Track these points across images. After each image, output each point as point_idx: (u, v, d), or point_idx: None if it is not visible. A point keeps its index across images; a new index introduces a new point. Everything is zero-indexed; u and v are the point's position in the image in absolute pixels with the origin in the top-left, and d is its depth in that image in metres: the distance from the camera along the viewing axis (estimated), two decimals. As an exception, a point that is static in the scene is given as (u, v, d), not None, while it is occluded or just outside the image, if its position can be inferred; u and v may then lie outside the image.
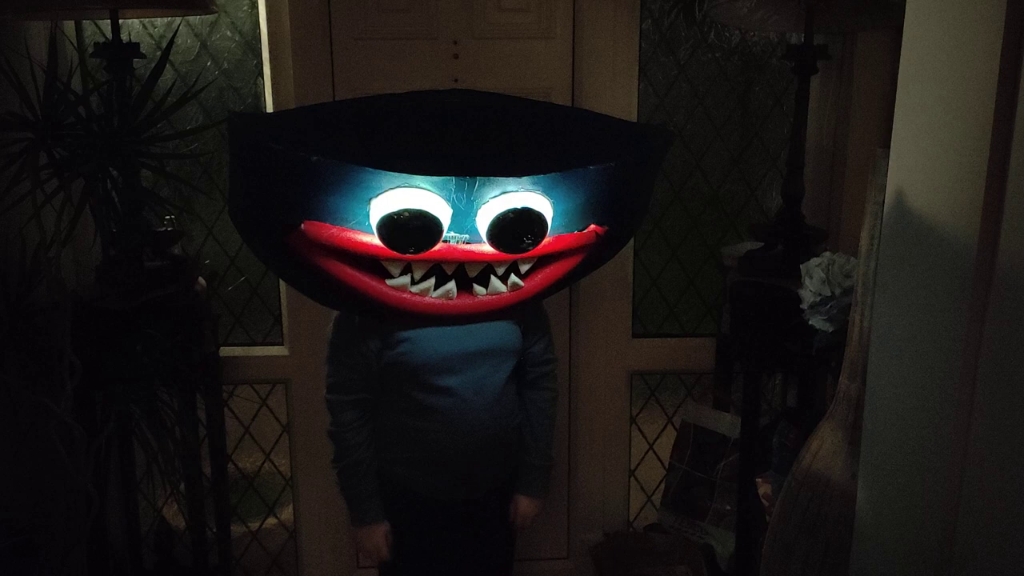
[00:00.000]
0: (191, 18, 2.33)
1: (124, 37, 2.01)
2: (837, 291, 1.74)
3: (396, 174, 1.49)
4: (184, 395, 2.15)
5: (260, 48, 2.38)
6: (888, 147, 1.16)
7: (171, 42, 2.08)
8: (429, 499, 1.91)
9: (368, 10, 2.32)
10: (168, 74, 2.25)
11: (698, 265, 2.66)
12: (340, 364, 1.85)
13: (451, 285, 1.63)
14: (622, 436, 2.68)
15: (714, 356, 2.54)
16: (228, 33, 2.40)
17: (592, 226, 1.68)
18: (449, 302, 1.65)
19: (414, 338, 1.79)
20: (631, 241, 2.52)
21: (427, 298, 1.64)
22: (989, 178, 0.90)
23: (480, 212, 1.56)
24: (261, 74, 2.40)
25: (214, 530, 2.40)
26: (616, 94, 2.40)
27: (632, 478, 2.75)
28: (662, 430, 2.75)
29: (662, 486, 2.56)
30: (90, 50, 2.05)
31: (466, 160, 1.63)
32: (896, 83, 1.12)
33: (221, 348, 2.37)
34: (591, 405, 2.62)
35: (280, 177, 1.53)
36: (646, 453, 2.76)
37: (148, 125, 1.94)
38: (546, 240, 1.63)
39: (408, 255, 1.57)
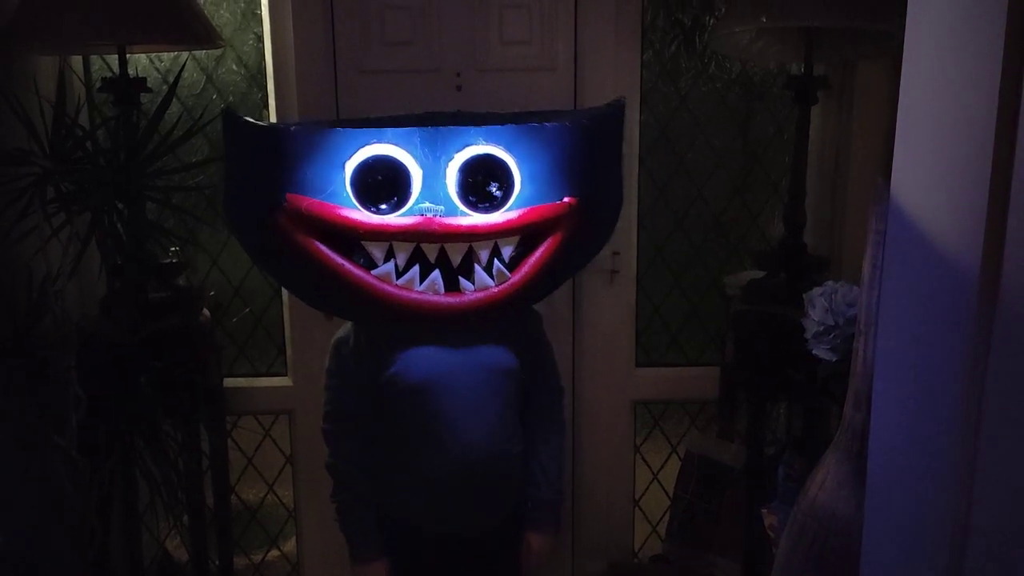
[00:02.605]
0: (197, 52, 2.36)
1: (131, 72, 2.03)
2: (840, 320, 1.74)
3: (366, 134, 1.60)
4: (188, 426, 2.14)
5: (265, 81, 2.40)
6: (889, 176, 1.16)
7: (178, 76, 2.10)
8: (430, 534, 1.86)
9: (372, 44, 2.35)
10: (174, 107, 2.27)
11: (701, 294, 2.66)
12: (335, 391, 1.83)
13: (436, 276, 1.66)
14: (626, 466, 2.67)
15: (718, 385, 2.53)
16: (234, 67, 2.43)
17: (565, 199, 1.71)
18: (437, 298, 1.67)
19: (405, 359, 1.76)
20: (633, 270, 2.53)
21: (413, 292, 1.66)
22: (991, 206, 0.91)
23: (448, 171, 1.62)
24: (266, 107, 2.42)
25: (217, 562, 2.38)
26: (618, 125, 2.41)
27: (636, 508, 2.74)
28: (666, 460, 2.74)
29: (667, 516, 2.55)
30: (98, 85, 2.07)
31: (429, 121, 1.70)
32: (896, 112, 1.13)
33: (225, 379, 2.37)
34: (594, 435, 2.61)
35: (263, 153, 1.64)
36: (650, 483, 2.75)
37: (154, 158, 1.96)
38: (521, 211, 1.67)
39: (385, 222, 1.61)
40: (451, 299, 1.68)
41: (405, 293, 1.67)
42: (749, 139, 2.59)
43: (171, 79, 2.11)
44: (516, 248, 1.73)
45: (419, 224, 1.62)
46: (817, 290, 1.82)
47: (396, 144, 1.60)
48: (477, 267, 1.68)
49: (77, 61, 2.30)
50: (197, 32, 1.96)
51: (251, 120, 1.64)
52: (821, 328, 1.77)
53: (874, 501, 1.23)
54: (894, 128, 1.13)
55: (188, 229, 2.37)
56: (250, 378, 2.56)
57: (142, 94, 2.02)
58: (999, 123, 0.89)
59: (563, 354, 2.51)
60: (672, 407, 2.72)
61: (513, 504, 1.91)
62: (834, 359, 1.76)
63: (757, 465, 2.20)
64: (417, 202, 1.62)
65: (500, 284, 1.71)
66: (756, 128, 2.59)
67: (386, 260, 1.66)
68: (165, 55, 2.37)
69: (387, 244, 1.65)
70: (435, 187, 1.63)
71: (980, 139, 0.91)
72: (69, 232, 1.88)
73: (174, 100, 2.10)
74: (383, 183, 1.61)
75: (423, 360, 1.76)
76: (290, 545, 2.70)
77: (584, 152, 1.72)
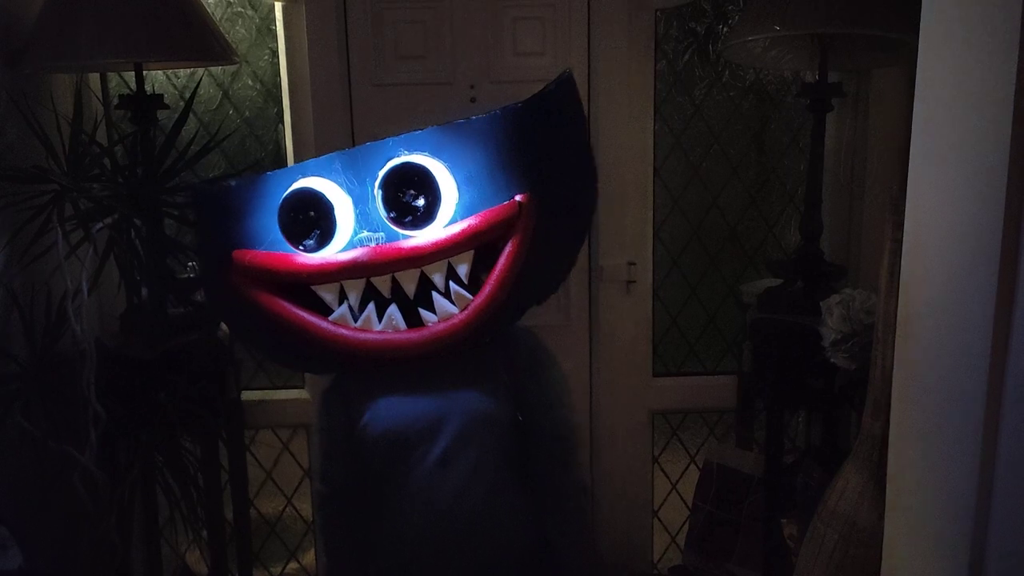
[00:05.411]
0: (213, 68, 2.38)
1: (148, 88, 2.05)
2: (858, 328, 1.73)
3: (292, 171, 1.56)
4: (207, 441, 2.15)
5: (281, 96, 2.42)
6: (905, 183, 1.16)
7: (194, 92, 2.12)
8: None
9: (386, 57, 2.36)
10: (191, 123, 2.29)
11: (717, 303, 2.65)
12: (322, 450, 1.73)
13: (393, 311, 1.56)
14: (644, 476, 2.66)
15: (736, 394, 2.52)
16: (249, 82, 2.45)
17: (516, 197, 1.56)
18: (399, 336, 1.56)
19: (374, 410, 1.63)
20: (649, 279, 2.52)
21: (372, 333, 1.57)
22: (1008, 212, 0.90)
23: (375, 192, 1.54)
24: (282, 121, 2.44)
25: (236, 575, 2.39)
26: (632, 134, 2.42)
27: (656, 519, 2.72)
28: (685, 470, 2.73)
29: (686, 527, 2.54)
30: (115, 102, 2.09)
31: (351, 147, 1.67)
32: (912, 119, 1.12)
33: (243, 393, 2.38)
34: (613, 445, 2.60)
35: (211, 213, 1.63)
36: (669, 493, 2.73)
37: (172, 174, 1.97)
38: (465, 221, 1.54)
39: (326, 260, 1.54)
40: (414, 335, 1.57)
41: (363, 335, 1.57)
42: (764, 147, 2.59)
43: (188, 95, 2.13)
44: (473, 265, 1.58)
45: (360, 256, 1.53)
46: (835, 298, 1.81)
47: (319, 175, 1.54)
48: (435, 295, 1.56)
49: (94, 78, 2.32)
50: (213, 48, 1.98)
51: (207, 183, 1.65)
52: (839, 336, 1.76)
53: (894, 511, 1.22)
54: (910, 135, 1.13)
55: (205, 244, 2.39)
56: (268, 391, 2.57)
57: (159, 110, 2.04)
58: (1015, 129, 0.88)
59: (580, 365, 2.51)
60: (690, 417, 2.71)
61: (516, 562, 1.68)
62: (852, 367, 1.75)
63: (776, 475, 2.19)
64: (355, 234, 1.56)
65: (464, 309, 1.57)
66: (771, 136, 2.58)
67: (340, 303, 1.58)
68: (181, 71, 2.38)
69: (337, 285, 1.57)
70: (369, 213, 1.55)
71: (996, 145, 0.91)
72: (87, 249, 1.90)
73: (191, 116, 2.11)
74: (303, 218, 1.53)
75: (391, 411, 1.63)
76: (309, 558, 2.70)
77: (527, 139, 1.55)
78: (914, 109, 1.11)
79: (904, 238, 1.17)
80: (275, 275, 1.56)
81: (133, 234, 1.95)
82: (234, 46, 2.15)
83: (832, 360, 1.79)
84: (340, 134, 2.35)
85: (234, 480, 2.32)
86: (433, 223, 1.53)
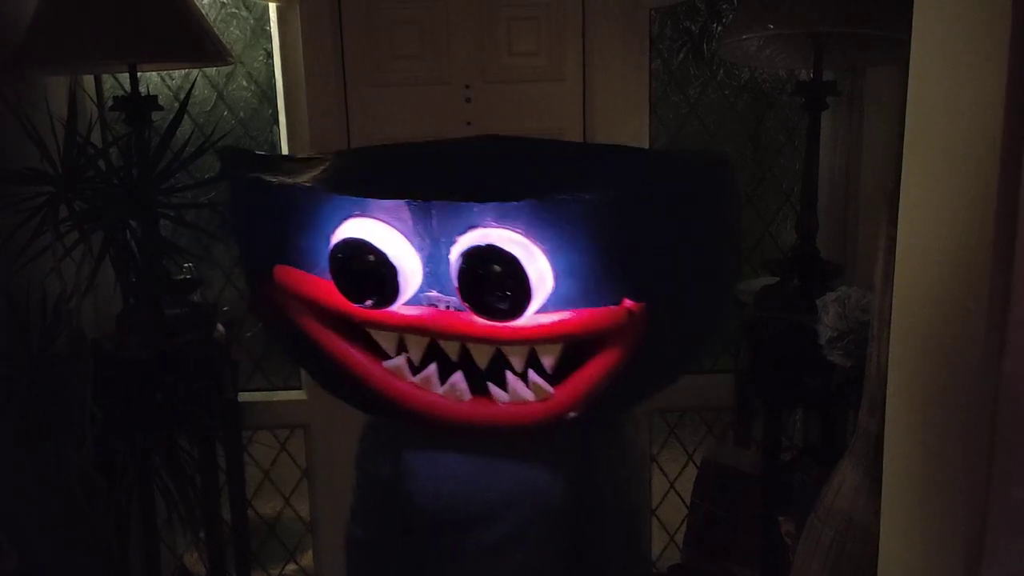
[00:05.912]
0: (208, 69, 2.38)
1: (142, 90, 2.04)
2: (854, 325, 1.73)
3: (353, 203, 1.25)
4: (204, 442, 2.15)
5: (276, 97, 2.42)
6: (900, 181, 1.16)
7: (188, 93, 2.12)
8: None
9: (381, 57, 2.36)
10: (186, 124, 2.28)
11: (714, 301, 2.65)
12: (357, 487, 1.53)
13: (458, 378, 1.28)
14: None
15: (733, 393, 2.52)
16: (244, 83, 2.45)
17: (625, 301, 1.19)
18: (464, 405, 1.30)
19: (428, 469, 1.41)
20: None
21: (433, 394, 1.31)
22: (1000, 208, 0.90)
23: (452, 256, 1.23)
24: (277, 122, 2.44)
25: (235, 577, 2.39)
26: (627, 133, 2.42)
27: (654, 517, 2.72)
28: (683, 468, 2.73)
29: (684, 525, 2.54)
30: (109, 103, 2.09)
31: (424, 184, 1.24)
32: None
33: (240, 393, 2.38)
34: (610, 444, 2.60)
35: (254, 211, 1.38)
36: (667, 492, 2.74)
37: (167, 176, 1.97)
38: (559, 316, 1.21)
39: (388, 310, 1.28)
40: (480, 408, 1.29)
41: (423, 393, 1.31)
42: (759, 146, 2.59)
43: (182, 96, 2.13)
44: (560, 358, 1.26)
45: (427, 317, 1.26)
46: (830, 295, 1.81)
47: (383, 220, 1.24)
48: (510, 374, 1.27)
49: (88, 80, 2.32)
50: (207, 49, 1.98)
51: (245, 164, 1.38)
52: (835, 333, 1.76)
53: (890, 507, 1.23)
54: (904, 133, 1.13)
55: (202, 245, 2.38)
56: (266, 392, 2.57)
57: (154, 112, 2.04)
58: (1006, 127, 0.88)
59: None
60: (688, 415, 2.71)
61: None
62: (849, 364, 1.75)
63: (773, 472, 2.19)
64: (422, 289, 1.27)
65: (540, 399, 1.27)
66: (766, 135, 2.59)
67: (398, 352, 1.32)
68: (176, 73, 2.39)
69: (396, 335, 1.31)
70: (440, 273, 1.25)
71: (988, 143, 0.91)
72: (83, 250, 1.89)
73: (185, 117, 2.11)
74: (362, 275, 1.26)
75: (446, 479, 1.40)
76: (307, 558, 2.70)
77: (652, 231, 1.20)
78: (906, 107, 1.11)
79: (898, 235, 1.17)
80: (325, 311, 1.33)
81: (128, 235, 1.95)
82: (228, 47, 2.15)
83: (828, 358, 1.79)
84: (335, 135, 2.36)
85: (232, 481, 2.32)
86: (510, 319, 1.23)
